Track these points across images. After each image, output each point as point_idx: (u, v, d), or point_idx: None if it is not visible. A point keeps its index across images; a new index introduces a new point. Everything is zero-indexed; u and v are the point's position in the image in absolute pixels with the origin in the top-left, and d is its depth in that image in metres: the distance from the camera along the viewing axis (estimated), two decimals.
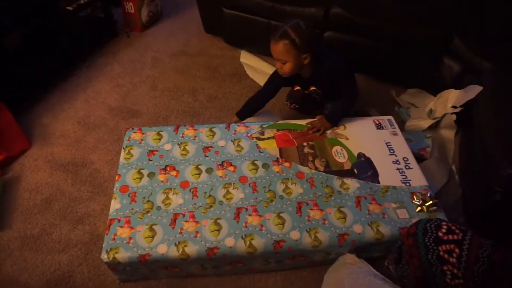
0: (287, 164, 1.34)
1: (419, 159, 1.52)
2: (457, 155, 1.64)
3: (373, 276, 1.04)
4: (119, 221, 1.15)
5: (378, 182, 1.29)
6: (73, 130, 1.77)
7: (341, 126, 1.50)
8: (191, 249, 1.09)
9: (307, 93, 1.61)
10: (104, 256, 1.08)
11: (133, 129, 1.46)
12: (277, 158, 1.36)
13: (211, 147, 1.40)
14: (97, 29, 2.34)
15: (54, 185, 1.52)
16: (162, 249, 1.09)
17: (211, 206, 1.20)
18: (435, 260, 0.83)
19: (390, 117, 1.56)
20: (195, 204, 1.21)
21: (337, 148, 1.42)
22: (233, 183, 1.27)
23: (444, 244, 0.83)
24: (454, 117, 1.64)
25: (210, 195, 1.23)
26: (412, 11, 1.79)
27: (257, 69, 2.14)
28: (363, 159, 1.38)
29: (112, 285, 1.22)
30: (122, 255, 1.07)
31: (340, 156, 1.39)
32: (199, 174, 1.30)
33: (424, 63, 1.83)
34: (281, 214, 1.18)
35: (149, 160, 1.34)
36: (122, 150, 1.38)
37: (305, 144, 1.43)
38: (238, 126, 1.49)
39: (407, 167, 1.35)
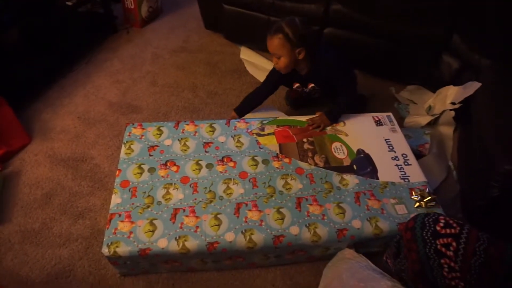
0: (287, 160, 1.35)
1: (418, 155, 1.53)
2: (455, 152, 1.65)
3: (372, 270, 1.05)
4: (119, 215, 1.16)
5: (377, 178, 1.30)
6: (73, 126, 1.77)
7: (340, 122, 1.51)
8: (191, 243, 1.10)
9: (307, 91, 1.61)
10: (104, 250, 1.08)
11: (133, 124, 1.47)
12: (277, 154, 1.37)
13: (211, 142, 1.40)
14: (97, 24, 2.34)
15: (54, 180, 1.53)
16: (163, 243, 1.10)
17: (211, 201, 1.21)
18: (433, 254, 0.84)
19: (390, 113, 1.56)
20: (195, 199, 1.21)
21: (336, 144, 1.42)
22: (233, 179, 1.28)
23: (442, 237, 0.84)
24: (452, 113, 1.65)
25: (210, 190, 1.24)
26: (412, 8, 1.79)
27: (257, 65, 2.14)
28: (362, 155, 1.38)
29: (113, 279, 1.22)
30: (123, 249, 1.08)
31: (339, 152, 1.39)
32: (199, 169, 1.30)
33: (424, 60, 1.83)
34: (280, 210, 1.19)
35: (150, 155, 1.35)
36: (123, 145, 1.38)
37: (305, 140, 1.43)
38: (238, 122, 1.49)
39: (406, 163, 1.35)
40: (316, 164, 1.34)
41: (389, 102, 1.91)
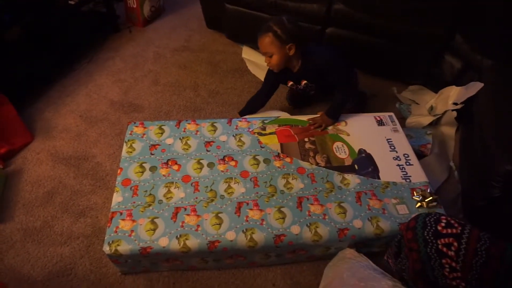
0: (288, 159, 1.35)
1: (420, 155, 1.53)
2: (457, 152, 1.64)
3: (372, 270, 1.05)
4: (121, 214, 1.16)
5: (379, 178, 1.30)
6: (75, 124, 1.77)
7: (342, 122, 1.51)
8: (192, 242, 1.10)
9: (301, 88, 1.62)
10: (106, 248, 1.09)
11: (135, 123, 1.47)
12: (278, 153, 1.37)
13: (213, 141, 1.40)
14: (99, 23, 2.34)
15: (56, 178, 1.53)
16: (164, 242, 1.10)
17: (212, 200, 1.21)
18: (434, 254, 0.84)
19: (391, 113, 1.56)
20: (196, 198, 1.21)
21: (338, 144, 1.42)
22: (235, 178, 1.28)
23: (443, 237, 0.84)
24: (454, 114, 1.64)
25: (211, 189, 1.24)
26: (413, 8, 1.79)
27: (259, 64, 2.14)
28: (363, 155, 1.38)
29: (114, 277, 1.23)
30: (124, 247, 1.08)
31: (341, 152, 1.39)
32: (201, 168, 1.31)
33: (425, 60, 1.83)
34: (281, 209, 1.19)
35: (151, 154, 1.35)
36: (124, 144, 1.38)
37: (306, 139, 1.43)
38: (240, 121, 1.50)
39: (407, 163, 1.35)
40: (317, 164, 1.34)
41: (390, 102, 1.91)
